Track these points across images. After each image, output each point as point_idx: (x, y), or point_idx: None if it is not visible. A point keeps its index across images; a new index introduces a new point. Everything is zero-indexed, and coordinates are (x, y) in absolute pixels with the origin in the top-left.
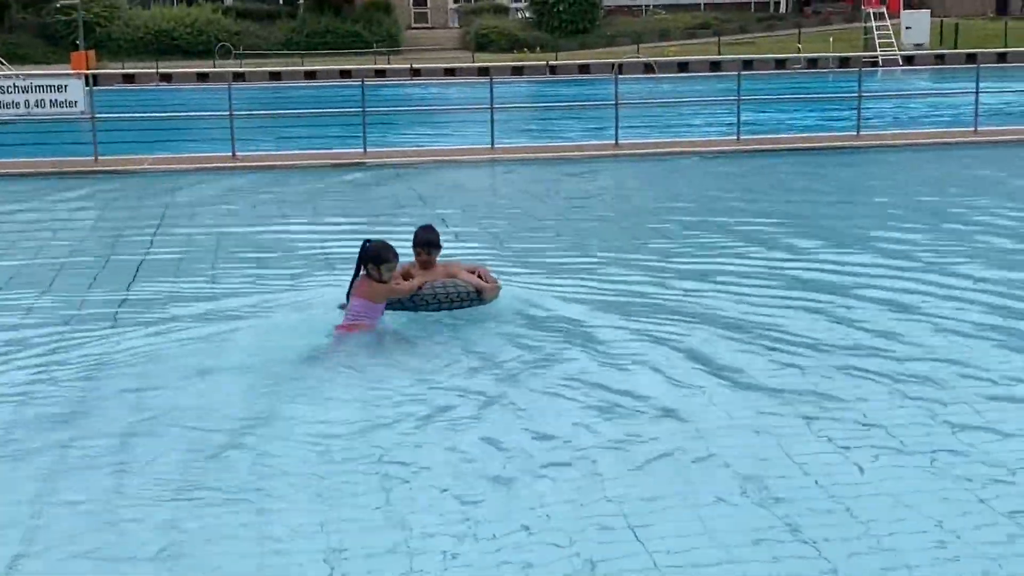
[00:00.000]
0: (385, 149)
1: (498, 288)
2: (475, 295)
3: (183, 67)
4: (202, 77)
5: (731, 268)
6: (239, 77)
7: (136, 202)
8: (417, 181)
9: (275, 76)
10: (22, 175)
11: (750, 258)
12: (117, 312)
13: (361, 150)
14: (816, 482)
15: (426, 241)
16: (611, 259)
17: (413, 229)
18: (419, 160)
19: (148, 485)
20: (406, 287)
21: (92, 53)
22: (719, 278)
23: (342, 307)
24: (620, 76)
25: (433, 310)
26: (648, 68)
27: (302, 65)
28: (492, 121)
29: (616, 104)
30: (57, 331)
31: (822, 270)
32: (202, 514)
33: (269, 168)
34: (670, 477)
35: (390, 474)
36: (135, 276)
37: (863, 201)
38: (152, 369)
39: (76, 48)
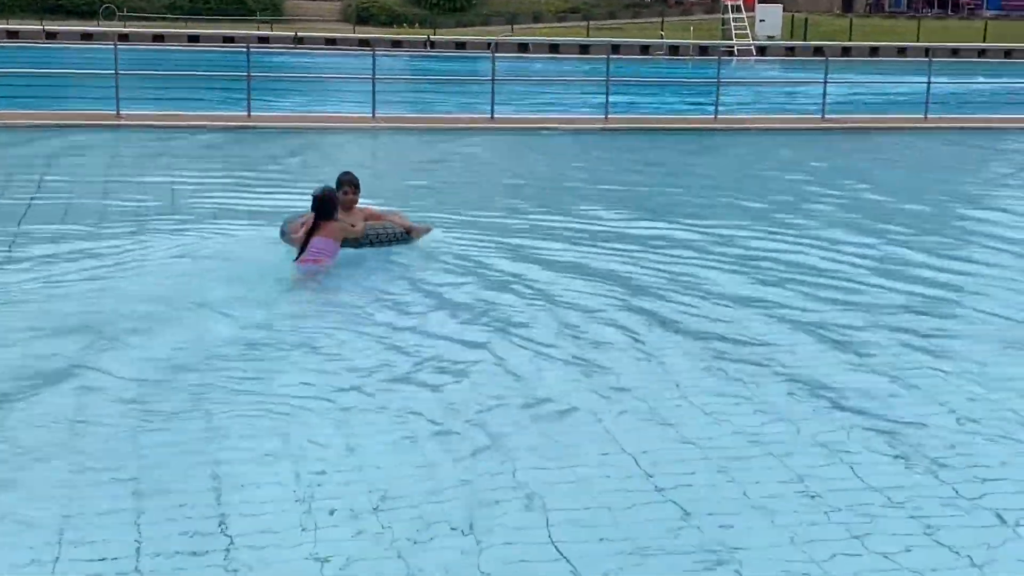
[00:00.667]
0: (269, 114)
1: (429, 229)
2: (406, 235)
3: (68, 26)
4: (87, 37)
5: (574, 225)
6: (123, 38)
7: (21, 153)
8: (299, 145)
9: (159, 38)
10: None
11: (593, 220)
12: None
13: (245, 113)
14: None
15: (350, 180)
16: (497, 217)
17: (299, 188)
18: (302, 125)
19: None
20: (360, 228)
21: None
22: (565, 233)
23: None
24: (496, 54)
25: (377, 247)
26: (523, 47)
27: (186, 29)
28: (374, 91)
29: (492, 80)
30: None
31: (656, 232)
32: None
33: (153, 127)
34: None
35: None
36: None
37: (712, 177)
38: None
39: None
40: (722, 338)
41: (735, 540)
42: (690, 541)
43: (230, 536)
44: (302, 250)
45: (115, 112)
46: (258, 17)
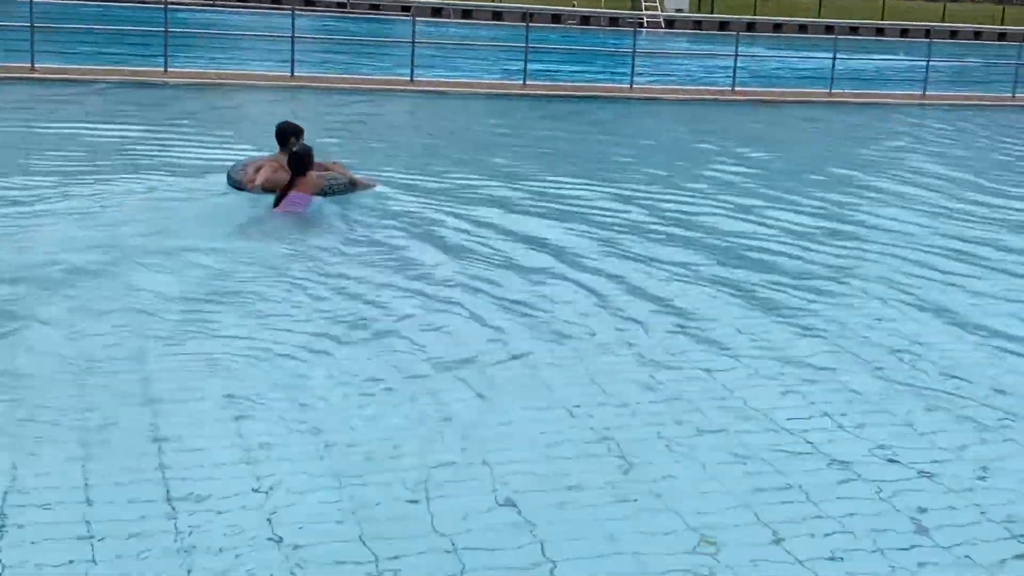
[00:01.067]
0: (186, 70)
1: (373, 185)
2: (350, 186)
3: None
4: None
5: (500, 185)
6: None
7: None
8: (217, 101)
9: None
10: None
11: (516, 180)
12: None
13: (162, 68)
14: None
15: (296, 130)
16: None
17: (218, 143)
18: (220, 82)
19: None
20: (322, 181)
21: None
22: (489, 193)
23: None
24: (362, 13)
25: (329, 196)
26: (437, 12)
27: None
28: (293, 50)
29: (413, 42)
30: None
31: (575, 191)
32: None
33: (69, 81)
34: None
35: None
36: None
37: (627, 143)
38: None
39: None
40: (636, 290)
41: (663, 484)
42: (616, 479)
43: (170, 482)
44: (277, 202)
45: (29, 65)
46: None
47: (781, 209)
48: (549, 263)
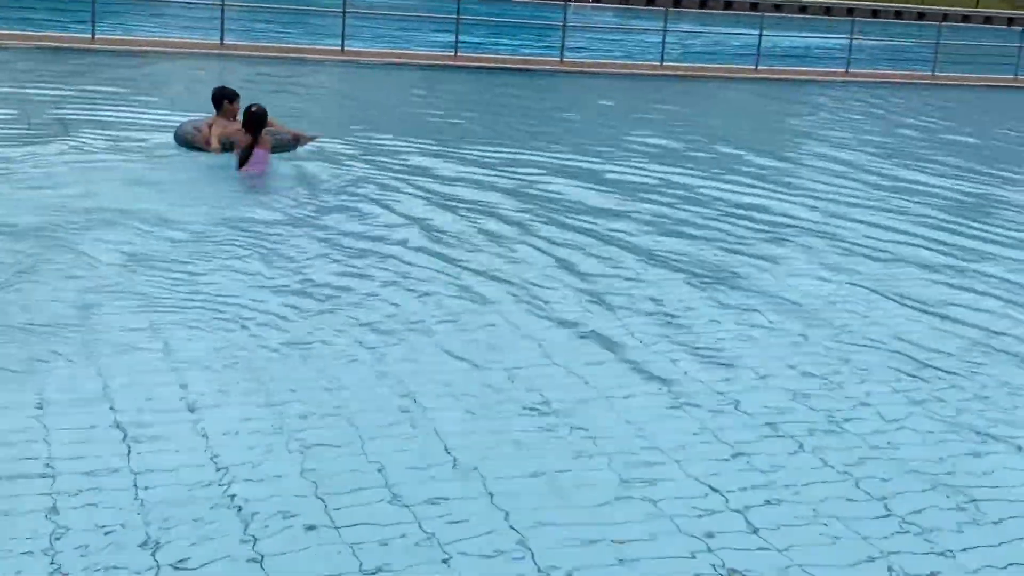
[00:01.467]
0: (114, 36)
1: (315, 137)
2: (294, 141)
3: None
4: None
5: (407, 148)
6: None
7: None
8: (146, 68)
9: None
10: None
11: (448, 146)
12: None
13: (89, 36)
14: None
15: (231, 94)
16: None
17: (148, 109)
18: (148, 49)
19: None
20: (271, 139)
21: None
22: (407, 156)
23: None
24: None
25: (278, 153)
26: None
27: None
28: (223, 18)
29: (344, 12)
30: None
31: (506, 157)
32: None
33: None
34: None
35: None
36: None
37: (557, 112)
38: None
39: None
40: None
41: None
42: (551, 429)
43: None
44: (243, 161)
45: None
46: None
47: (698, 177)
48: (472, 220)
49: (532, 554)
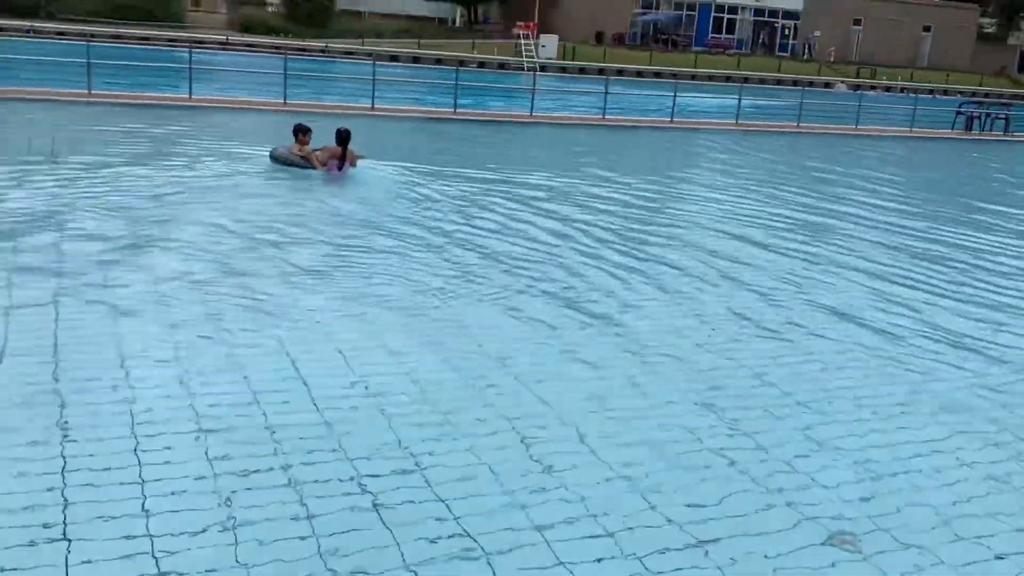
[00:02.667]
0: (205, 96)
1: (363, 156)
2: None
3: (15, 22)
4: (36, 31)
5: (432, 171)
6: (62, 34)
7: (20, 123)
8: (229, 117)
9: (88, 36)
10: None
11: (446, 171)
12: None
13: (187, 95)
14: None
15: (306, 128)
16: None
17: (240, 143)
18: (229, 106)
19: None
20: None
21: None
22: (437, 176)
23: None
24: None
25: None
26: (394, 58)
27: (112, 29)
28: (285, 85)
29: (373, 80)
30: None
31: (489, 180)
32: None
33: (121, 104)
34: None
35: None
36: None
37: (534, 151)
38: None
39: None
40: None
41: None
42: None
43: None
44: (340, 167)
45: (87, 91)
46: (163, 24)
47: (629, 194)
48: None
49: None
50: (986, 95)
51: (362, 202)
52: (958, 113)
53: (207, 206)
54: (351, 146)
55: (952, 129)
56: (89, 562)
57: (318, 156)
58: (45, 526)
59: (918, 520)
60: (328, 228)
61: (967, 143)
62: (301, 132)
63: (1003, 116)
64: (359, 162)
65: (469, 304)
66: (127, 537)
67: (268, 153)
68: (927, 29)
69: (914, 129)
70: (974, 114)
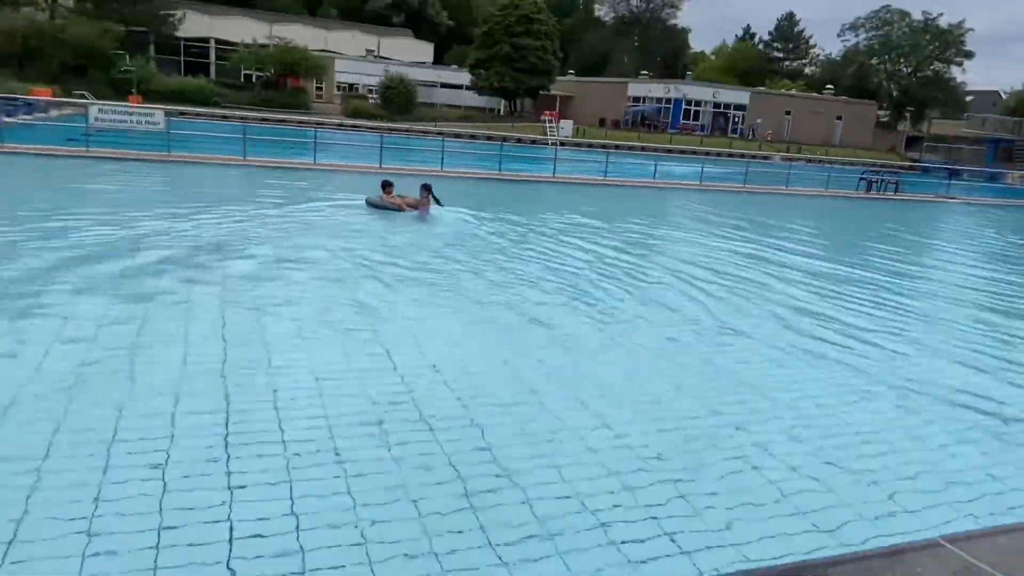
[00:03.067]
0: (324, 162)
1: (433, 203)
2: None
3: (195, 108)
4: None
5: (478, 214)
6: (225, 118)
7: (198, 178)
8: (341, 177)
9: (243, 119)
10: (122, 159)
11: (494, 214)
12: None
13: (312, 160)
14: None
15: (390, 183)
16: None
17: (346, 194)
18: (341, 170)
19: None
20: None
21: (141, 97)
22: (486, 217)
23: (397, 205)
24: (416, 135)
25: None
26: (440, 134)
27: (260, 114)
28: (381, 154)
29: (442, 151)
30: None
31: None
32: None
33: (265, 167)
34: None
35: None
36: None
37: (550, 204)
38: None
39: (132, 93)
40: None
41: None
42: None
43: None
44: (420, 209)
45: (243, 157)
46: (293, 111)
47: (623, 231)
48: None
49: None
50: (881, 166)
51: (438, 234)
52: (860, 179)
53: (325, 236)
54: (431, 192)
55: (856, 190)
56: (243, 487)
57: (404, 201)
58: (213, 460)
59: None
60: (413, 251)
61: (866, 200)
62: (387, 185)
63: (893, 181)
64: (433, 207)
65: (524, 303)
66: (269, 457)
67: (364, 200)
68: (839, 118)
69: (828, 190)
70: (872, 179)
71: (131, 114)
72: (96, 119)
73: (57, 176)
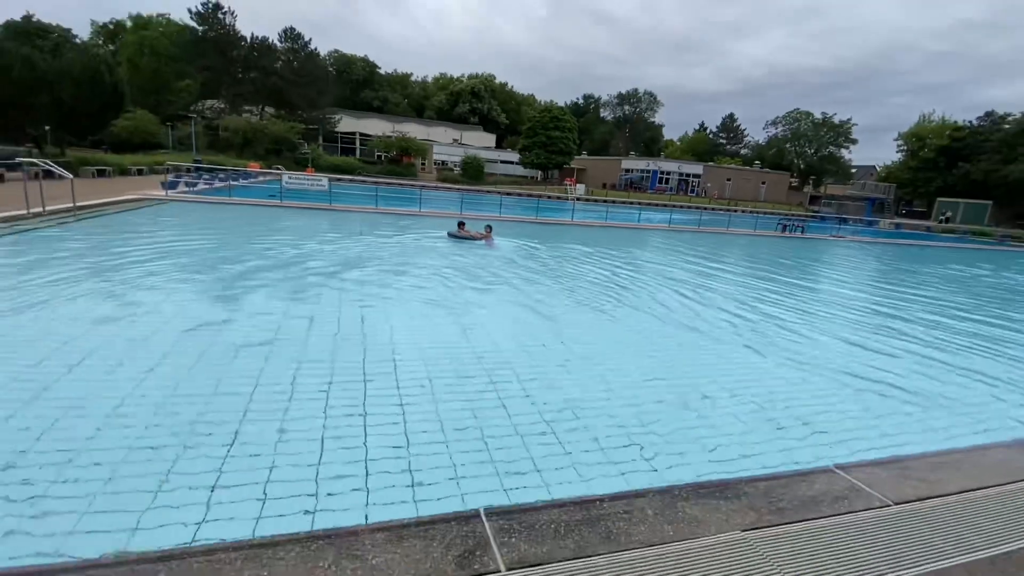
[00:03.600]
0: (428, 210)
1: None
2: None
3: (348, 177)
4: (351, 181)
5: (524, 245)
6: (363, 182)
7: (347, 220)
8: (435, 221)
9: (376, 183)
10: (302, 208)
11: (533, 246)
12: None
13: (418, 209)
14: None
15: (463, 221)
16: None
17: (437, 231)
18: (436, 216)
19: None
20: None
21: (313, 169)
22: (529, 247)
23: (471, 237)
24: (484, 192)
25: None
26: (498, 193)
27: (386, 180)
28: (461, 203)
29: (500, 204)
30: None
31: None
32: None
33: (389, 214)
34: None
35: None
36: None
37: (566, 239)
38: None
39: (308, 167)
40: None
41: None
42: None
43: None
44: (486, 239)
45: (375, 207)
46: (405, 178)
47: (618, 256)
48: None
49: None
50: (791, 215)
51: (500, 256)
52: (778, 223)
53: (423, 256)
54: (493, 231)
55: (775, 231)
56: (377, 426)
57: (475, 234)
58: (352, 410)
59: None
60: (485, 267)
61: (781, 238)
62: (462, 224)
63: (800, 225)
64: (496, 238)
65: (563, 303)
66: (389, 396)
67: (447, 233)
68: (763, 183)
69: (756, 230)
70: (786, 224)
71: (308, 180)
72: (286, 183)
73: (262, 217)
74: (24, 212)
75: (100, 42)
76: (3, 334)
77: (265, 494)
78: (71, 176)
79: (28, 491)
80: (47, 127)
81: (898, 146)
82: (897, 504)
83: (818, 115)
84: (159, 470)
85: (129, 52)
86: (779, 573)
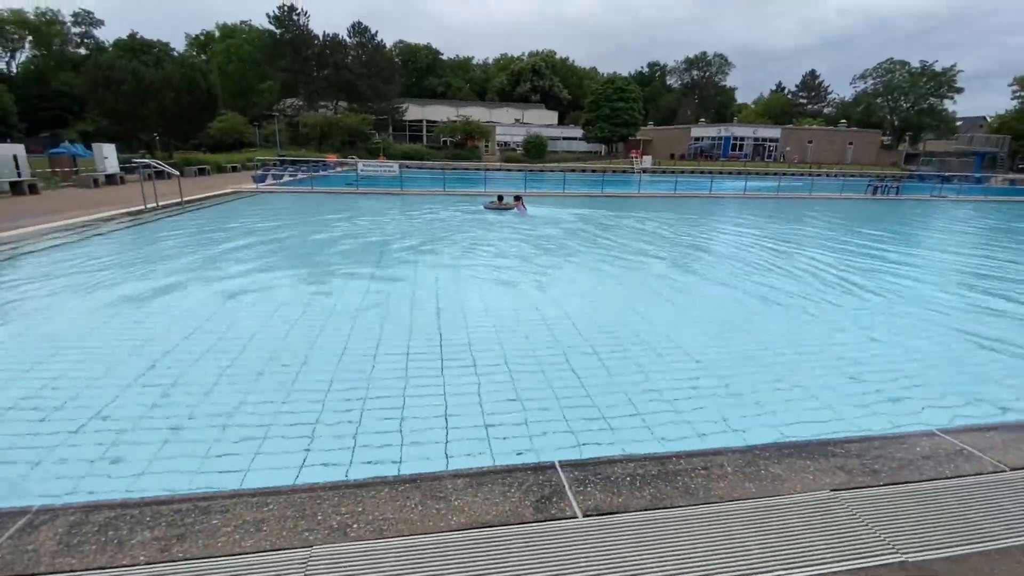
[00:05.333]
0: (485, 189)
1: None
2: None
3: (417, 163)
4: (419, 167)
5: (576, 211)
6: (431, 168)
7: (424, 201)
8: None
9: (443, 167)
10: (378, 194)
11: (589, 215)
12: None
13: (483, 188)
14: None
15: (502, 195)
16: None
17: (473, 203)
18: (478, 195)
19: None
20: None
21: (385, 157)
22: (577, 216)
23: (505, 207)
24: (547, 171)
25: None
26: (562, 170)
27: (452, 163)
28: (484, 180)
29: (564, 182)
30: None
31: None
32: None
33: (456, 195)
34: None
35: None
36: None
37: (635, 210)
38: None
39: (380, 155)
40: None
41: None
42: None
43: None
44: (518, 207)
45: (443, 189)
46: (471, 161)
47: (684, 223)
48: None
49: None
50: (884, 176)
51: (531, 221)
52: (868, 185)
53: (470, 224)
54: (522, 199)
55: (864, 193)
56: (450, 370)
57: (507, 204)
58: (430, 358)
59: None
60: (519, 232)
61: (873, 201)
62: (500, 196)
63: (895, 186)
64: (528, 206)
65: (607, 264)
66: (462, 357)
67: (483, 206)
68: (850, 143)
69: (843, 194)
70: (877, 185)
71: (380, 167)
72: (361, 171)
73: (341, 203)
74: (142, 207)
75: (194, 52)
76: (168, 296)
77: (355, 442)
78: (178, 174)
79: (191, 432)
80: (156, 134)
81: (1014, 92)
82: (1014, 470)
83: (915, 64)
84: (265, 422)
85: (219, 59)
86: (873, 534)
